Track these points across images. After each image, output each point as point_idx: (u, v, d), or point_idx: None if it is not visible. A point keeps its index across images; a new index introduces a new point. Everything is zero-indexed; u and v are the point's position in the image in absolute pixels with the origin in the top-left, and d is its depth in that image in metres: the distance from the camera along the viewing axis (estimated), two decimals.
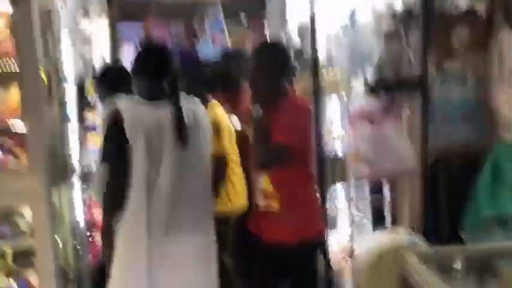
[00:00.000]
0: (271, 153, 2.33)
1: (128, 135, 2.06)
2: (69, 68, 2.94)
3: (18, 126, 2.54)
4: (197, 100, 2.32)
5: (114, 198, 2.11)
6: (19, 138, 2.46)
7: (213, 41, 4.60)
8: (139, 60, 2.24)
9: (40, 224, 2.36)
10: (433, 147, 3.01)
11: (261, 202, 2.49)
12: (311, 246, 2.53)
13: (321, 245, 2.76)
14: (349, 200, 3.22)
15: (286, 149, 2.31)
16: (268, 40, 4.15)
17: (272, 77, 2.39)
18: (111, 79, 2.76)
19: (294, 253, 2.42)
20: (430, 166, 3.03)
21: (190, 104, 2.23)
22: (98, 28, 3.71)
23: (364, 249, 2.95)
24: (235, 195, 3.21)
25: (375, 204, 3.45)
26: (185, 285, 2.18)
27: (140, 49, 2.31)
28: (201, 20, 4.79)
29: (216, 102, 3.24)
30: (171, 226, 2.13)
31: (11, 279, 2.58)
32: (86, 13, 3.65)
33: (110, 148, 2.11)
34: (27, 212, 2.56)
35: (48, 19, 2.52)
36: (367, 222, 3.47)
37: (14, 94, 2.50)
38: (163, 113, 2.13)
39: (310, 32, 3.05)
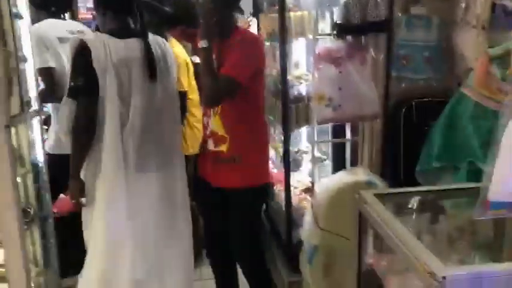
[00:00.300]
0: (217, 86, 2.30)
1: (96, 68, 2.01)
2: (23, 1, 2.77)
3: None
4: (160, 38, 2.28)
5: (86, 134, 2.10)
6: None
7: None
8: None
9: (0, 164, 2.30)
10: (396, 90, 3.07)
11: (210, 146, 2.52)
12: (257, 191, 2.66)
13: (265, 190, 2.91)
14: (312, 142, 3.27)
15: (233, 82, 2.30)
16: None
17: (221, 9, 2.33)
18: None
19: (239, 196, 2.55)
20: (392, 109, 3.10)
21: (156, 40, 2.19)
22: None
23: (324, 187, 3.05)
24: (194, 139, 3.21)
25: (336, 147, 3.53)
26: (155, 222, 2.24)
27: None
28: None
29: (174, 39, 3.17)
30: (142, 162, 2.14)
31: None
32: None
33: (78, 81, 2.06)
34: None
35: None
36: (329, 163, 3.56)
37: None
38: (131, 48, 2.12)
39: None
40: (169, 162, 2.34)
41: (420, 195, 2.14)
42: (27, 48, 2.81)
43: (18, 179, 2.44)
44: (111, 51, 2.06)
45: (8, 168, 2.30)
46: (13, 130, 2.53)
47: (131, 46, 2.13)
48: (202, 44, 2.32)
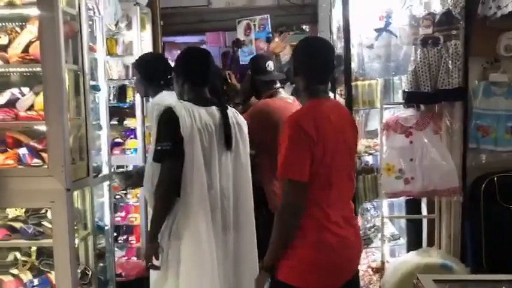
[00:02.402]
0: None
1: (183, 134, 2.07)
2: (103, 76, 3.02)
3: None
4: (233, 108, 2.42)
5: (170, 196, 2.12)
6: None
7: (257, 50, 4.73)
8: (186, 65, 2.28)
9: (59, 225, 2.42)
10: (474, 163, 2.77)
11: None
12: None
13: None
14: (382, 217, 3.03)
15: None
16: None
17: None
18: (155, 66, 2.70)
19: None
20: (471, 185, 2.78)
21: (231, 110, 2.33)
22: (140, 38, 3.79)
23: (392, 268, 2.76)
24: None
25: (413, 223, 3.22)
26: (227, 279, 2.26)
27: (185, 55, 2.32)
28: (248, 29, 4.94)
29: None
30: (226, 225, 2.23)
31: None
32: (129, 23, 3.76)
33: (165, 146, 2.09)
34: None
35: (77, 24, 2.60)
36: (403, 241, 3.25)
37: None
38: (212, 115, 2.21)
39: (343, 41, 2.93)
40: (244, 222, 2.33)
41: (491, 285, 1.83)
42: (103, 117, 3.03)
43: (77, 241, 2.53)
44: (195, 117, 2.13)
45: (66, 230, 2.41)
46: (78, 193, 2.69)
47: (212, 113, 2.21)
48: None
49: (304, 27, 5.41)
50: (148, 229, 2.18)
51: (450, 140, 2.84)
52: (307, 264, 1.88)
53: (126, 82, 4.04)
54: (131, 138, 4.06)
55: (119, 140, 3.98)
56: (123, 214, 3.96)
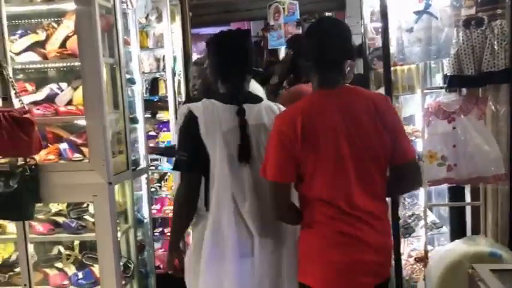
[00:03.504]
0: None
1: (204, 140, 1.80)
2: (138, 69, 3.01)
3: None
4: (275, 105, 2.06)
5: (187, 208, 1.87)
6: (86, 136, 2.54)
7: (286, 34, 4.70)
8: (223, 60, 1.94)
9: (101, 219, 2.43)
10: None
11: None
12: None
13: None
14: (426, 205, 2.95)
15: None
16: None
17: None
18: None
19: None
20: None
21: (269, 106, 1.98)
22: (170, 30, 3.77)
23: (437, 257, 2.68)
24: None
25: (456, 211, 3.14)
26: None
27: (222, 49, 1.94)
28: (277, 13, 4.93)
29: None
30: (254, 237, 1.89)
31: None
32: (159, 16, 3.74)
33: (182, 155, 1.83)
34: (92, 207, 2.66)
35: (112, 17, 2.59)
36: (446, 230, 3.17)
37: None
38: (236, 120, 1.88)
39: (382, 23, 2.84)
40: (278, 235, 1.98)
41: None
42: (139, 111, 3.03)
43: (119, 235, 2.53)
44: (220, 119, 1.82)
45: (109, 224, 2.42)
46: (118, 187, 2.69)
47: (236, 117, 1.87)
48: None
49: (328, 14, 5.32)
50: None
51: (496, 126, 2.73)
52: (317, 264, 1.78)
53: (157, 75, 4.05)
54: (164, 131, 4.09)
55: (152, 133, 3.99)
56: (158, 206, 3.98)
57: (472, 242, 2.71)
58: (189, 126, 1.82)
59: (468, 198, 3.00)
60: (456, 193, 3.07)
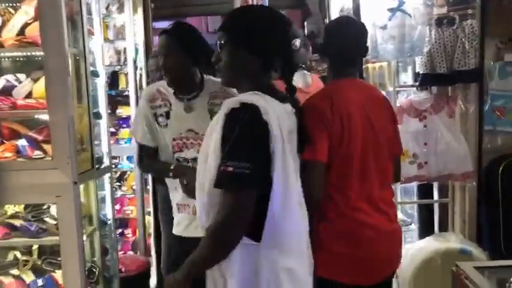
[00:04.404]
0: None
1: (271, 148, 1.37)
2: (101, 61, 2.84)
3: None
4: None
5: (231, 241, 1.39)
6: (47, 132, 2.36)
7: None
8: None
9: (65, 221, 2.26)
10: (491, 146, 2.73)
11: None
12: None
13: None
14: (396, 203, 2.96)
15: None
16: None
17: None
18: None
19: None
20: (486, 168, 2.75)
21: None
22: (132, 22, 3.60)
23: (409, 255, 2.70)
24: None
25: (423, 209, 3.18)
26: None
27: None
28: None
29: None
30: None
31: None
32: (120, 6, 3.56)
33: (243, 167, 1.34)
34: (54, 209, 2.47)
35: (76, 5, 2.41)
36: (414, 227, 3.21)
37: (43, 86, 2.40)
38: (289, 114, 1.49)
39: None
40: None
41: None
42: (102, 105, 2.85)
43: (84, 237, 2.37)
44: (280, 119, 1.41)
45: (74, 227, 2.25)
46: (82, 187, 2.52)
47: (288, 111, 1.50)
48: None
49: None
50: (186, 263, 1.44)
51: (464, 123, 2.79)
52: (335, 256, 1.78)
53: (117, 68, 3.86)
54: (124, 127, 3.90)
55: (111, 129, 3.79)
56: (117, 207, 3.78)
57: (442, 238, 2.75)
58: (256, 130, 1.37)
59: (436, 195, 3.05)
60: (424, 191, 3.12)
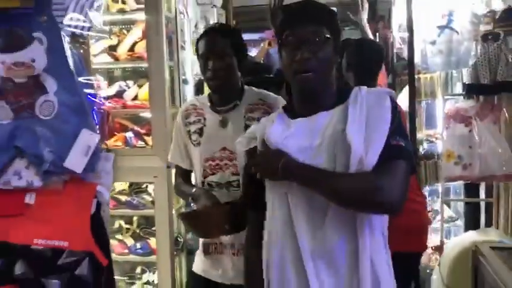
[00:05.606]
0: None
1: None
2: (190, 71, 3.43)
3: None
4: None
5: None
6: (148, 127, 2.98)
7: None
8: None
9: (160, 197, 2.82)
10: None
11: None
12: None
13: None
14: (442, 199, 3.27)
15: None
16: None
17: None
18: None
19: None
20: None
21: None
22: None
23: (451, 246, 3.00)
24: None
25: (470, 206, 3.44)
26: None
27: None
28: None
29: None
30: None
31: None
32: (207, 25, 4.15)
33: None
34: (151, 187, 3.08)
35: (173, 25, 3.01)
36: (461, 223, 3.48)
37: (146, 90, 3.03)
38: None
39: (408, 36, 3.19)
40: None
41: None
42: None
43: (174, 212, 2.94)
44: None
45: (167, 202, 2.82)
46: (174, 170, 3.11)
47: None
48: None
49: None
50: (303, 165, 1.35)
51: (508, 130, 3.03)
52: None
53: (202, 78, 4.43)
54: None
55: None
56: None
57: (483, 233, 3.01)
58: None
59: (482, 195, 3.30)
60: (471, 190, 3.38)
